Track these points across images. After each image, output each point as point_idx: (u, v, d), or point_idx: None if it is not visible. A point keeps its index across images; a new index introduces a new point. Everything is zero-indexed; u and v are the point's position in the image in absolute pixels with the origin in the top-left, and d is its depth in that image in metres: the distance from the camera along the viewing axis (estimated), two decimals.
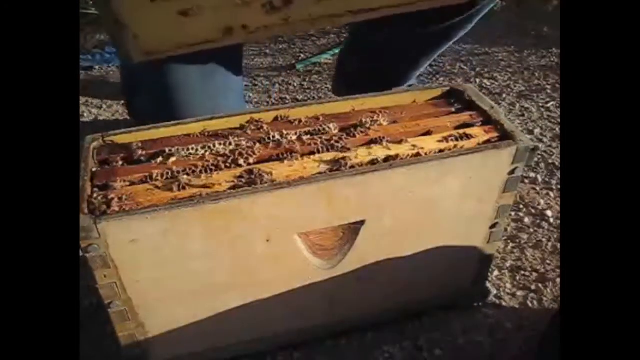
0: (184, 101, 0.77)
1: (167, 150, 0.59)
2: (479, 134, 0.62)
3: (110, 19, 0.55)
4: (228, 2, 0.57)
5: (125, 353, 0.61)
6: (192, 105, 0.78)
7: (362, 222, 0.60)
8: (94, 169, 0.58)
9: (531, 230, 0.88)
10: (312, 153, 0.59)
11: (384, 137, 0.61)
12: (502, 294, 0.77)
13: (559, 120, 1.18)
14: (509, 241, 0.86)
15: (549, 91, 1.31)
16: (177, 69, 0.78)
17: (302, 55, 1.54)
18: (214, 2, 0.57)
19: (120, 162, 0.59)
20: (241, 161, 0.58)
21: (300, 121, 0.65)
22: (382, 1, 0.61)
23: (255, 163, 0.58)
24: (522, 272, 0.80)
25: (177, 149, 0.60)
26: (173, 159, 0.59)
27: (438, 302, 0.72)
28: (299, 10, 0.59)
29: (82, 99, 1.31)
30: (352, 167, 0.57)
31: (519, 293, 0.77)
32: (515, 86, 1.35)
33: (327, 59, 1.50)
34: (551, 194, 0.96)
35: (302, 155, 0.59)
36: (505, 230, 0.87)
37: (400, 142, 0.61)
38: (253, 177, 0.55)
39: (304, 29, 0.61)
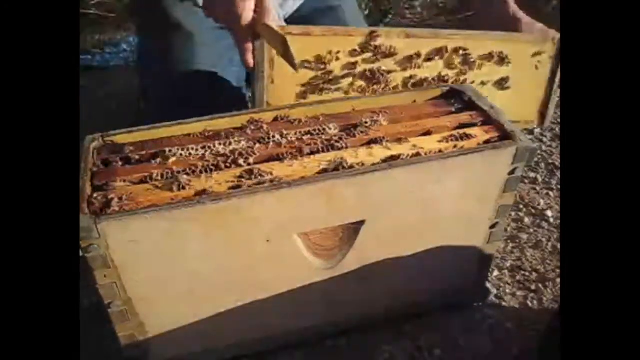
0: None
1: (167, 150, 0.59)
2: (479, 134, 0.62)
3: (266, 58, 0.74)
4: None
5: (125, 353, 0.61)
6: None
7: (362, 222, 0.60)
8: (94, 169, 0.58)
9: (531, 230, 0.88)
10: (312, 153, 0.59)
11: (384, 137, 0.61)
12: (502, 294, 0.77)
13: (559, 120, 1.17)
14: (509, 241, 0.86)
15: None
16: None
17: None
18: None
19: (120, 162, 0.59)
20: (241, 161, 0.58)
21: (300, 121, 0.65)
22: None
23: (255, 163, 0.58)
24: (522, 272, 0.80)
25: (177, 149, 0.60)
26: (173, 159, 0.59)
27: (438, 302, 0.72)
28: None
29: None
30: (352, 167, 0.57)
31: (519, 293, 0.77)
32: None
33: None
34: (551, 194, 0.96)
35: (302, 155, 0.59)
36: (505, 230, 0.87)
37: (400, 142, 0.61)
38: (253, 177, 0.55)
39: None
